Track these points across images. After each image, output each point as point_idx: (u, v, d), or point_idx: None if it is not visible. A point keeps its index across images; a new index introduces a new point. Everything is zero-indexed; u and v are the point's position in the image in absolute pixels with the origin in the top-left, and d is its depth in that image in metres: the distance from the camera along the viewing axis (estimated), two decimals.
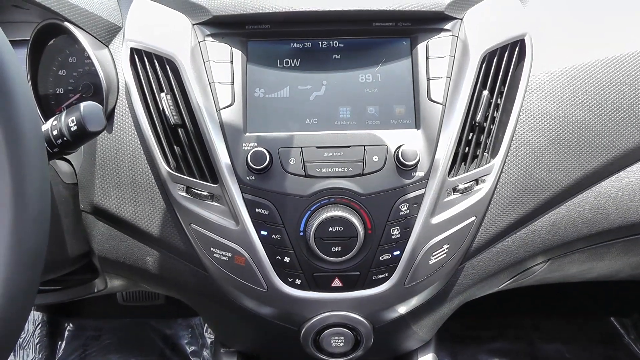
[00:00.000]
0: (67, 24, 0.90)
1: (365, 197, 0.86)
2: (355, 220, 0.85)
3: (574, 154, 0.94)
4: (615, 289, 1.81)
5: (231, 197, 0.86)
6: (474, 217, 0.90)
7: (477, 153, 0.90)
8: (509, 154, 0.92)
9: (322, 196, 0.86)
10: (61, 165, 0.95)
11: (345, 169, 0.87)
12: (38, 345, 1.78)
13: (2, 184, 0.54)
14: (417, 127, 0.89)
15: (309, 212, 0.86)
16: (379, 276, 0.90)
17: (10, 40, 0.58)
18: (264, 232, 0.87)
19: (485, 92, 0.89)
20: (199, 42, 0.90)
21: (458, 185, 0.88)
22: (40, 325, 1.81)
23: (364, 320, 0.94)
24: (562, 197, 0.96)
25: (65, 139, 0.74)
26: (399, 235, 0.87)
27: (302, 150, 0.87)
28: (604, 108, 0.94)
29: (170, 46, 0.88)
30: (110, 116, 0.92)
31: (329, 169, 0.87)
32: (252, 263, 0.88)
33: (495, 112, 0.91)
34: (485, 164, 0.89)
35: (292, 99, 0.90)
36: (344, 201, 0.86)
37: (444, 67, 0.90)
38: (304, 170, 0.87)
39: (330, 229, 0.85)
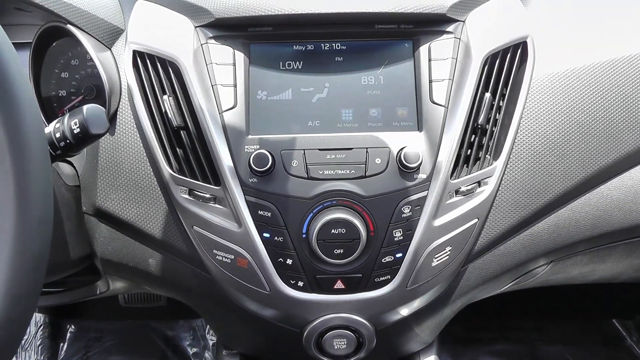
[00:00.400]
0: (69, 26, 0.90)
1: (367, 199, 0.86)
2: (357, 222, 0.85)
3: (576, 156, 0.94)
4: (618, 291, 1.81)
5: (234, 200, 0.86)
6: (476, 220, 0.90)
7: (480, 155, 0.90)
8: (511, 156, 0.92)
9: (325, 198, 0.86)
10: (63, 167, 0.95)
11: (348, 171, 0.87)
12: (40, 347, 1.78)
13: (5, 186, 0.54)
14: (419, 129, 0.89)
15: (312, 214, 0.86)
16: (381, 278, 0.90)
17: (12, 43, 0.58)
18: (266, 234, 0.87)
19: (488, 95, 0.89)
20: (201, 45, 0.90)
21: (460, 188, 0.88)
22: (42, 327, 1.81)
23: (367, 323, 0.94)
24: (565, 199, 0.96)
25: (67, 141, 0.74)
26: (402, 238, 0.87)
27: (304, 153, 0.87)
28: (606, 110, 0.94)
29: (172, 49, 0.88)
30: (112, 118, 0.92)
31: (332, 171, 0.87)
32: (254, 265, 0.88)
33: (498, 115, 0.91)
34: (488, 166, 0.89)
35: (295, 101, 0.91)
36: (346, 203, 0.86)
37: (446, 69, 0.90)
38: (307, 173, 0.87)
39: (333, 231, 0.85)
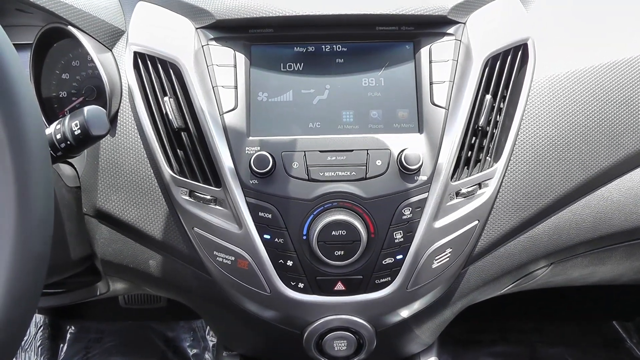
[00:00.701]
0: (70, 27, 0.90)
1: (368, 201, 0.86)
2: (358, 224, 0.85)
3: (576, 158, 0.94)
4: (618, 293, 1.81)
5: (234, 201, 0.86)
6: (476, 221, 0.90)
7: (480, 157, 0.90)
8: (511, 158, 0.92)
9: (325, 200, 0.86)
10: (64, 168, 0.95)
11: (348, 173, 0.87)
12: (40, 348, 1.78)
13: (6, 187, 0.54)
14: (420, 131, 0.89)
15: (312, 216, 0.86)
16: (381, 280, 0.90)
17: (13, 44, 0.58)
18: (267, 236, 0.87)
19: (488, 97, 0.89)
20: (202, 46, 0.90)
21: (461, 189, 0.88)
22: (42, 328, 1.81)
23: (367, 324, 0.94)
24: (565, 201, 0.96)
25: (68, 142, 0.74)
26: (402, 239, 0.87)
27: (305, 154, 0.87)
28: (606, 113, 0.94)
29: (173, 50, 0.88)
30: (113, 120, 0.92)
31: (332, 173, 0.87)
32: (255, 266, 0.88)
33: (498, 117, 0.91)
34: (488, 168, 0.89)
35: (295, 102, 0.91)
36: (347, 205, 0.86)
37: (447, 71, 0.90)
38: (307, 174, 0.87)
39: (334, 232, 0.85)
